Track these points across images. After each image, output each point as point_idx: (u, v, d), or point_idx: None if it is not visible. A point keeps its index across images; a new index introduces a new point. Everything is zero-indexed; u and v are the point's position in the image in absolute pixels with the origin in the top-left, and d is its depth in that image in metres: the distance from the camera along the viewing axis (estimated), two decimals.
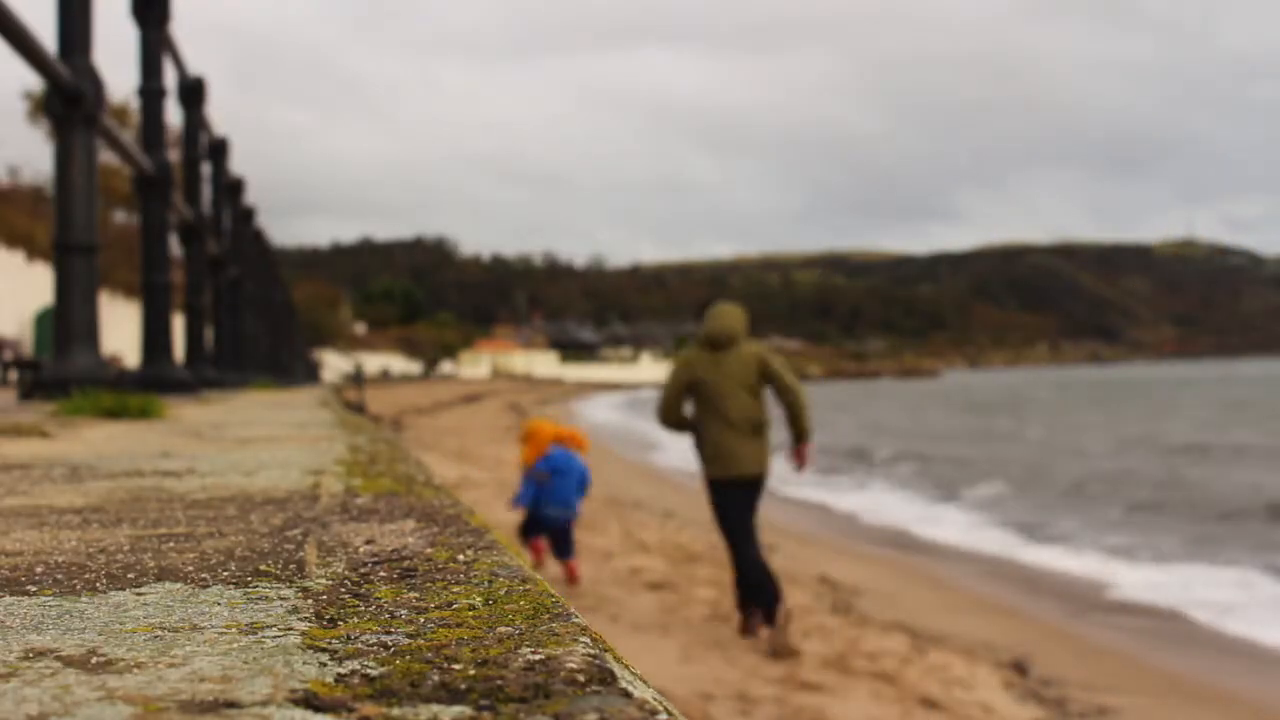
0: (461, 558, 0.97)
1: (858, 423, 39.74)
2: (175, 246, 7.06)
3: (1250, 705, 6.13)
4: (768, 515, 7.76)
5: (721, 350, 6.15)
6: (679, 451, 22.51)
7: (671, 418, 6.35)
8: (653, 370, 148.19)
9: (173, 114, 7.60)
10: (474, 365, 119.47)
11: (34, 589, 0.89)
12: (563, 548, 7.19)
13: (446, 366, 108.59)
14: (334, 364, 59.18)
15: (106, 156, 8.29)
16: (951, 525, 13.33)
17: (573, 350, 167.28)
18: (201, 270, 7.76)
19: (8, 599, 0.85)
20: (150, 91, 6.21)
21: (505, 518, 9.49)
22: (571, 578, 7.16)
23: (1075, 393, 74.47)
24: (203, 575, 0.93)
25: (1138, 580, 9.67)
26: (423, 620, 0.74)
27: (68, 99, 4.16)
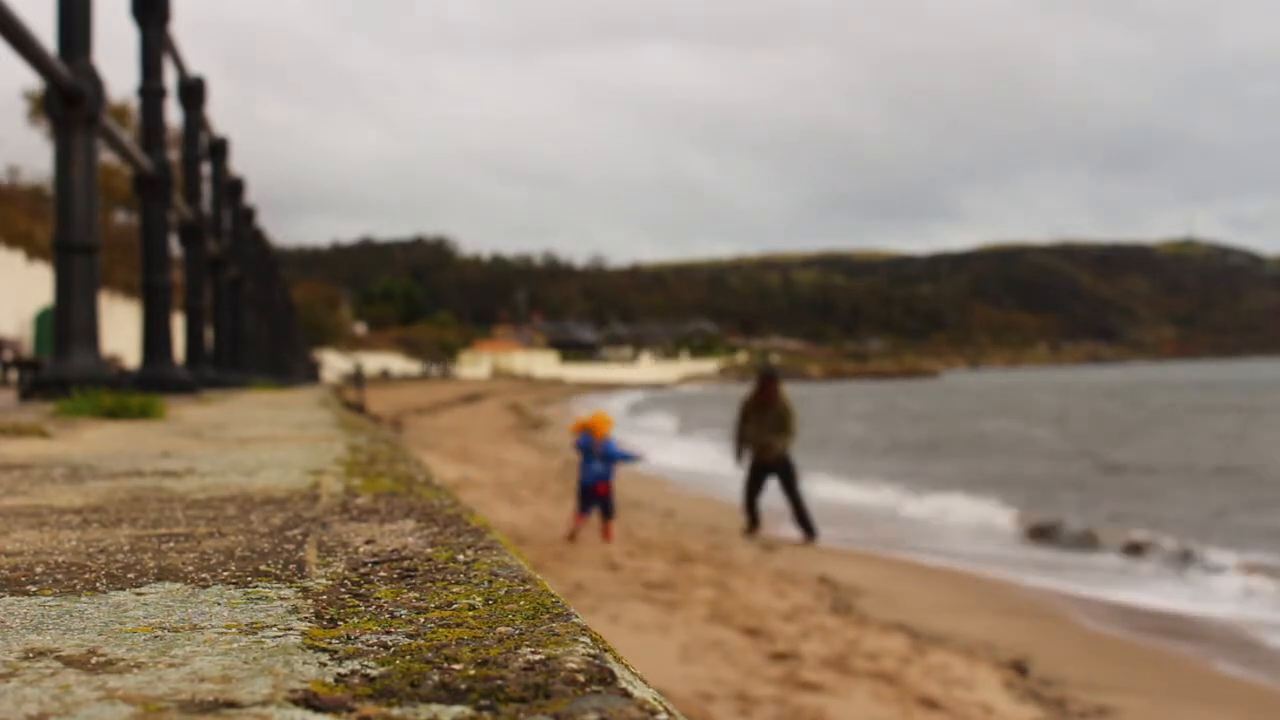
0: (461, 558, 0.97)
1: None
2: (175, 246, 7.06)
3: (1251, 704, 6.13)
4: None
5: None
6: (677, 451, 22.52)
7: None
8: (653, 371, 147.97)
9: (173, 114, 7.61)
10: (474, 365, 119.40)
11: (34, 589, 0.89)
12: (602, 509, 9.16)
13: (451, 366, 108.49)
14: (334, 364, 59.15)
15: (106, 156, 8.29)
16: None
17: (573, 350, 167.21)
18: (201, 270, 7.75)
19: (8, 599, 0.85)
20: (150, 91, 6.21)
21: (506, 517, 9.50)
22: (604, 534, 9.11)
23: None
24: (203, 575, 0.93)
25: None
26: (423, 620, 0.74)
27: (68, 99, 4.16)
